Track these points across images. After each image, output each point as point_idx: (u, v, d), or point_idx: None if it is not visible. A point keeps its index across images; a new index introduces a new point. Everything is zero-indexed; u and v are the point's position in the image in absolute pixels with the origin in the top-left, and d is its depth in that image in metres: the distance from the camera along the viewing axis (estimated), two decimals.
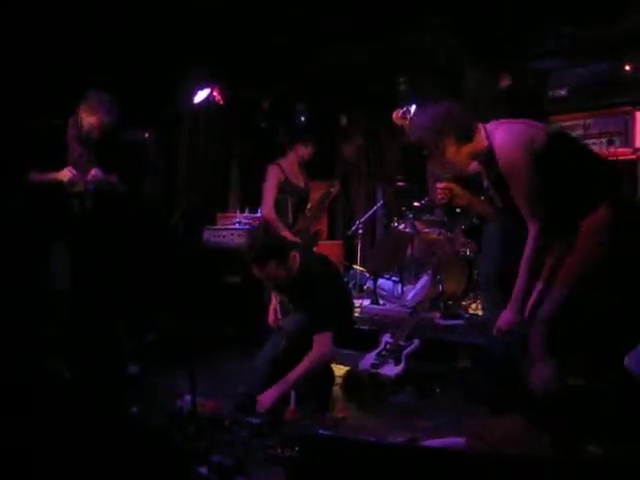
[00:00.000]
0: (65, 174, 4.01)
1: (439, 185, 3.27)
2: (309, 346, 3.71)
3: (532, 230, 2.87)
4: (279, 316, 4.06)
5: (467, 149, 2.95)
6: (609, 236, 2.79)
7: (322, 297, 3.78)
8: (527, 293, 2.95)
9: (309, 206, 5.05)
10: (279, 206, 4.92)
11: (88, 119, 4.09)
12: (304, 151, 5.00)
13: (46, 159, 4.04)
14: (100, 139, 4.18)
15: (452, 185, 3.27)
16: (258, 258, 3.69)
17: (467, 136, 2.94)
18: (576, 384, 2.96)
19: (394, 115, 6.01)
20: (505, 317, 3.00)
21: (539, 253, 2.88)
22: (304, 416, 3.60)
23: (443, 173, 3.24)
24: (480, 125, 2.98)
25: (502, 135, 2.90)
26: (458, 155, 2.96)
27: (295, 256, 3.80)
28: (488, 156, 2.95)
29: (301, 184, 5.03)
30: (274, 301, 4.14)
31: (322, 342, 3.70)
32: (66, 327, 4.10)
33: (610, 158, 4.20)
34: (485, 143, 2.95)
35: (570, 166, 2.89)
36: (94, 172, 4.12)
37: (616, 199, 2.83)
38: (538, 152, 2.83)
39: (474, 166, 3.14)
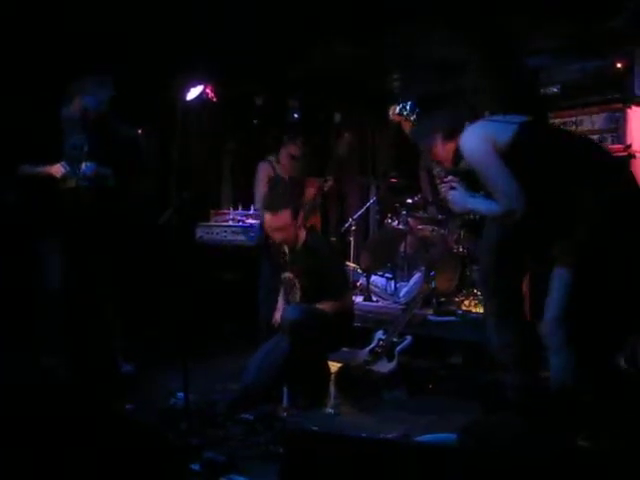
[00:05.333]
0: (57, 169, 3.98)
1: (445, 180, 3.39)
2: (309, 338, 3.77)
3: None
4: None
5: (450, 146, 3.18)
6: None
7: (332, 263, 4.05)
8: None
9: (304, 202, 5.05)
10: None
11: (84, 105, 4.09)
12: (294, 149, 5.00)
13: (39, 152, 4.01)
14: (95, 132, 4.17)
15: (454, 180, 3.37)
16: (274, 203, 3.91)
17: (452, 135, 3.16)
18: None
19: (390, 111, 6.01)
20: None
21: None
22: (297, 413, 3.61)
23: (436, 167, 3.41)
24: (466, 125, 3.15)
25: (464, 135, 3.08)
26: (443, 151, 3.21)
27: (303, 221, 4.04)
28: None
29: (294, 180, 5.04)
30: (280, 304, 4.18)
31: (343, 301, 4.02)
32: (59, 325, 4.08)
33: None
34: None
35: (540, 158, 2.95)
36: (84, 167, 4.10)
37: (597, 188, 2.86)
38: (504, 145, 2.93)
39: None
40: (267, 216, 3.93)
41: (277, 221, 3.89)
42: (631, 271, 2.79)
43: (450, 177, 3.34)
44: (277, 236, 4.00)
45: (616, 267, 2.78)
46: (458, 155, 3.15)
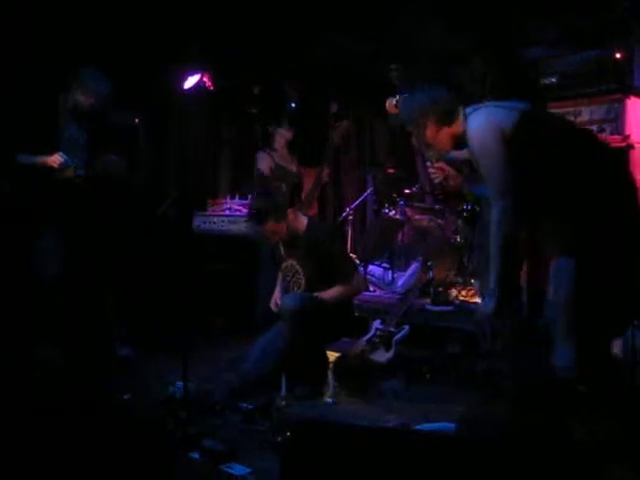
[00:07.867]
0: (55, 159, 3.98)
1: (435, 165, 3.36)
2: (309, 327, 3.80)
3: (495, 210, 2.90)
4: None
5: (445, 131, 3.09)
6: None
7: (335, 248, 4.08)
8: (507, 276, 2.96)
9: (304, 192, 5.05)
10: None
11: (82, 97, 4.07)
12: (286, 134, 5.00)
13: (37, 140, 4.00)
14: (93, 121, 4.16)
15: (446, 166, 3.35)
16: (256, 218, 3.97)
17: (446, 120, 3.07)
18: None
19: (387, 104, 6.00)
20: (483, 306, 3.07)
21: (511, 235, 2.93)
22: (296, 402, 3.62)
23: (428, 152, 3.32)
24: (462, 109, 3.08)
25: (473, 119, 3.01)
26: (437, 136, 3.11)
27: (295, 214, 4.07)
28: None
29: (293, 169, 5.04)
30: (277, 291, 4.19)
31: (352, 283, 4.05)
32: (57, 312, 4.09)
33: None
34: (462, 127, 3.06)
35: (541, 148, 2.91)
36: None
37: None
38: (509, 133, 2.88)
39: (464, 153, 3.19)
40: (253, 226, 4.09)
41: (264, 231, 4.00)
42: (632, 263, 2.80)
43: (441, 163, 3.34)
44: (274, 238, 4.08)
45: (619, 257, 2.79)
46: (457, 143, 3.12)
